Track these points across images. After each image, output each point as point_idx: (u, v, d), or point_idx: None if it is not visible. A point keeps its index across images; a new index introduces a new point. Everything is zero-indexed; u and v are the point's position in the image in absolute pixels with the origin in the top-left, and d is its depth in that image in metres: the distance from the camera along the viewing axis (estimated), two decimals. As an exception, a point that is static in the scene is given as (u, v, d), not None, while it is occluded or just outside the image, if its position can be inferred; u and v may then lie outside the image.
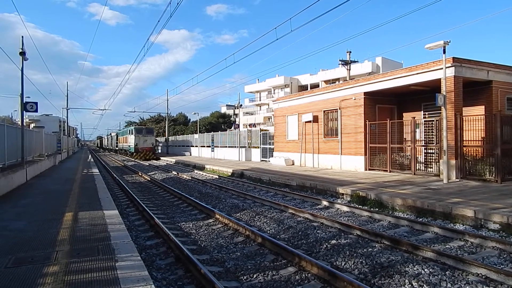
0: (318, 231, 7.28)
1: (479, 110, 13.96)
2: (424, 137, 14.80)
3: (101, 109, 48.65)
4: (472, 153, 12.99)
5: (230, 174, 19.51)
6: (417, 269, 5.02)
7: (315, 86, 54.41)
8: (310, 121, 20.04)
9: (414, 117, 14.89)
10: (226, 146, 32.38)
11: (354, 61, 31.46)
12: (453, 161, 12.61)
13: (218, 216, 8.73)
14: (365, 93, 16.69)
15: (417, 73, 13.90)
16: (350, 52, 30.02)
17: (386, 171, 15.34)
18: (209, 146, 35.48)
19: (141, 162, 33.64)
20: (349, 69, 30.39)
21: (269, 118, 64.75)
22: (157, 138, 50.17)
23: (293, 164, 21.62)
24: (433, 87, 14.08)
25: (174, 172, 20.88)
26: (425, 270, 4.98)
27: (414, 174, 14.19)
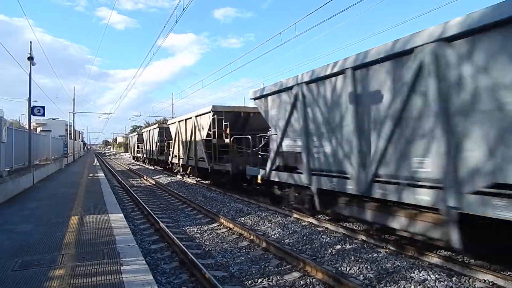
0: (323, 236, 7.24)
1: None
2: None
3: (107, 113, 48.98)
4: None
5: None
6: (423, 275, 4.97)
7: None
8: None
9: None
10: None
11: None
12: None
13: (222, 220, 8.73)
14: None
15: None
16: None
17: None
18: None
19: (146, 166, 33.74)
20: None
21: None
22: None
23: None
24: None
25: (179, 176, 20.92)
26: (431, 276, 4.93)
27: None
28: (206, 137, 14.38)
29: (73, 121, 40.17)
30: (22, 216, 7.54)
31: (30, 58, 13.95)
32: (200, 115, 15.14)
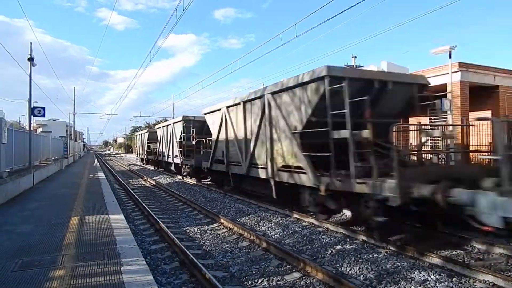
0: (323, 236, 7.24)
1: (486, 115, 13.87)
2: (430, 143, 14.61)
3: (108, 114, 48.96)
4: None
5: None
6: (423, 276, 4.97)
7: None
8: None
9: (419, 122, 14.78)
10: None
11: (360, 66, 31.46)
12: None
13: (223, 221, 8.73)
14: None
15: (423, 78, 13.78)
16: (356, 57, 30.00)
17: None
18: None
19: (146, 166, 33.72)
20: (354, 74, 30.38)
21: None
22: None
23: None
24: (440, 92, 14.03)
25: (179, 177, 20.93)
26: (432, 276, 4.93)
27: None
28: (305, 127, 7.95)
29: (74, 121, 40.27)
30: (22, 217, 7.54)
31: (31, 59, 13.97)
32: (284, 89, 8.58)
